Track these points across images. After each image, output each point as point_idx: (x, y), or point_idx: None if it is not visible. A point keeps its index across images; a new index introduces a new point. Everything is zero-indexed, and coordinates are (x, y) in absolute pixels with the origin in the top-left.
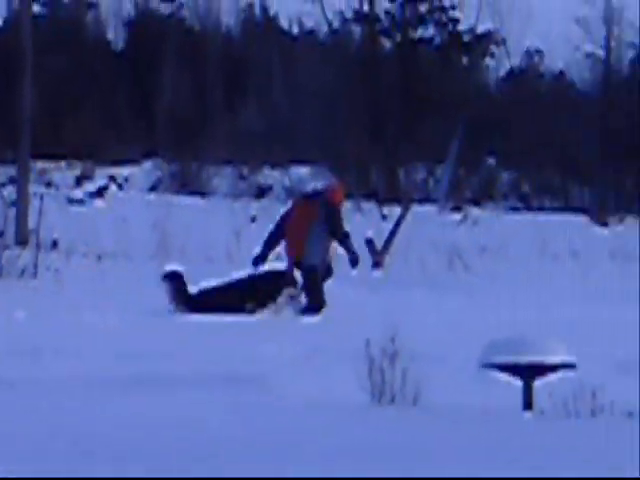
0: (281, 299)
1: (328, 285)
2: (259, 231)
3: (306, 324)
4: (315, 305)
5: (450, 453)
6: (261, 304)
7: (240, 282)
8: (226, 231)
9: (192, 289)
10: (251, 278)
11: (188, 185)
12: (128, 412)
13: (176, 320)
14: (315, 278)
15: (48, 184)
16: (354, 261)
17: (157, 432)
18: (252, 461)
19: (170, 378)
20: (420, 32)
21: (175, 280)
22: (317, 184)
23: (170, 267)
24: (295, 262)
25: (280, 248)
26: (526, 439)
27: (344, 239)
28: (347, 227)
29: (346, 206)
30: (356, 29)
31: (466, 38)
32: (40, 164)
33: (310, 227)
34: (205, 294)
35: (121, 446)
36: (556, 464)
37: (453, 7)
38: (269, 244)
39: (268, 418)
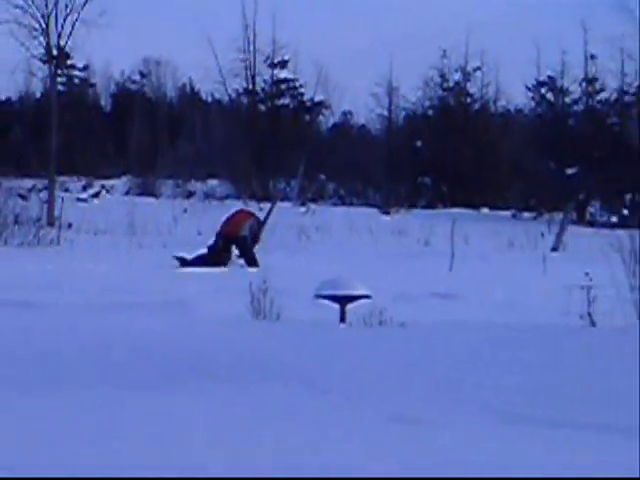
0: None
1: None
2: (189, 218)
3: (215, 272)
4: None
5: (296, 348)
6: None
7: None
8: (168, 218)
9: (188, 257)
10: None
11: (147, 191)
12: (111, 323)
13: (141, 268)
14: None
15: (66, 190)
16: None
17: (126, 335)
18: (182, 354)
19: (134, 304)
20: (282, 100)
21: (181, 260)
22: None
23: (178, 254)
24: (231, 238)
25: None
26: (341, 339)
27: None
28: None
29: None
30: (244, 99)
31: (308, 104)
32: (61, 178)
33: (246, 222)
34: (195, 259)
35: (107, 343)
36: (360, 353)
37: (301, 85)
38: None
39: (191, 327)
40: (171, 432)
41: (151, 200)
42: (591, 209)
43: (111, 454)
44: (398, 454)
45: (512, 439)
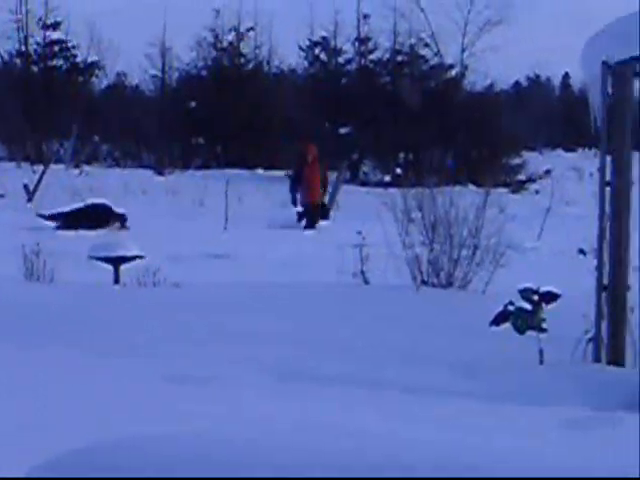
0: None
1: None
2: None
3: None
4: None
5: (69, 310)
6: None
7: None
8: None
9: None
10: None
11: None
12: None
13: None
14: None
15: None
16: None
17: None
18: None
19: None
20: (55, 62)
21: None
22: None
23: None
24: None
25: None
26: (115, 300)
27: None
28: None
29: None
30: (17, 61)
31: (81, 65)
32: None
33: None
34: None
35: None
36: (134, 314)
37: (74, 47)
38: None
39: None
40: None
41: None
42: (364, 168)
43: None
44: (176, 414)
45: (287, 397)
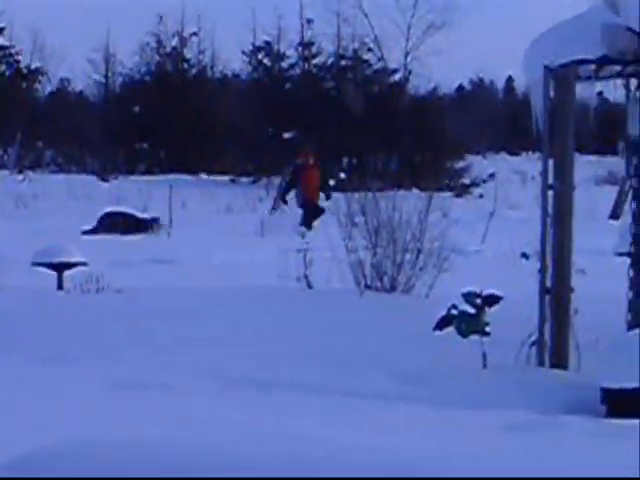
0: None
1: None
2: None
3: None
4: None
5: (14, 316)
6: None
7: None
8: None
9: None
10: None
11: None
12: None
13: None
14: None
15: None
16: None
17: None
18: None
19: None
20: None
21: None
22: None
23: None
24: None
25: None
26: (60, 306)
27: None
28: None
29: None
30: None
31: (25, 71)
32: None
33: None
34: None
35: None
36: (78, 320)
37: (17, 53)
38: None
39: None
40: None
41: None
42: None
43: None
44: (121, 420)
45: (228, 402)
